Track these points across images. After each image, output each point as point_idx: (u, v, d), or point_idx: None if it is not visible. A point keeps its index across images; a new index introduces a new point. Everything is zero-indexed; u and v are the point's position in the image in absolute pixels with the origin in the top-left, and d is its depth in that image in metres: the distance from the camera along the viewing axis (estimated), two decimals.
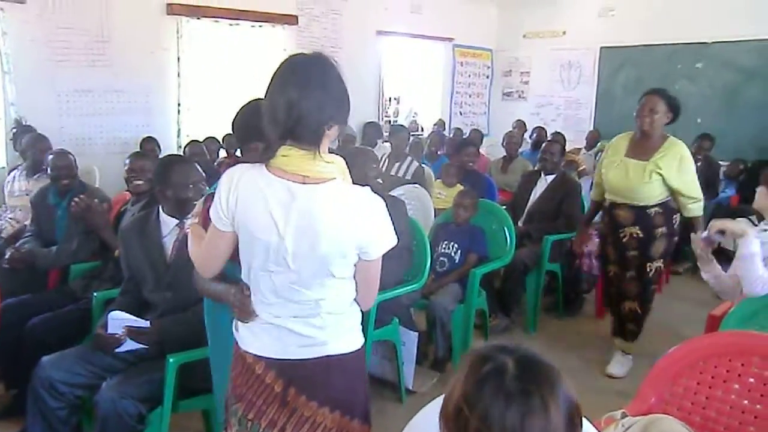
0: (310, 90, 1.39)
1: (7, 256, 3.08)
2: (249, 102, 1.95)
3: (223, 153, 5.45)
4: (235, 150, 5.16)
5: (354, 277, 1.55)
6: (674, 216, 3.24)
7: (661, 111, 3.20)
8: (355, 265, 1.52)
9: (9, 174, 4.11)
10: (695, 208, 3.20)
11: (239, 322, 1.61)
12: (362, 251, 1.48)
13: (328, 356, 1.53)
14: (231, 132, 2.02)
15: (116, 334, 2.29)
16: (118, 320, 2.31)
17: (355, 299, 1.58)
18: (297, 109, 1.38)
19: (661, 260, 3.28)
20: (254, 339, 1.57)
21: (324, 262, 1.45)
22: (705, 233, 2.44)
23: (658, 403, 1.78)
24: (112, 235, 2.91)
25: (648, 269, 3.26)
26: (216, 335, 2.01)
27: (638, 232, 3.21)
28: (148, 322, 2.32)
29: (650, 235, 3.20)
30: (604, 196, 3.40)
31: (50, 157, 3.43)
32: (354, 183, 1.51)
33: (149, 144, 5.03)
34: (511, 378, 0.93)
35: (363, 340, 1.63)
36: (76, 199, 2.96)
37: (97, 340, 2.34)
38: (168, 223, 2.43)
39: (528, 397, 0.91)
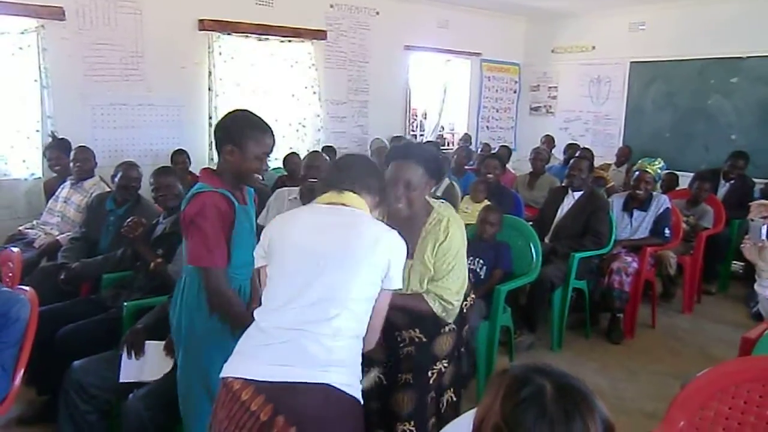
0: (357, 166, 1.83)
1: (62, 277, 3.24)
2: (231, 111, 2.10)
3: None
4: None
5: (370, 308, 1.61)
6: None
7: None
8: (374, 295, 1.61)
9: (60, 183, 4.24)
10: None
11: (237, 349, 1.60)
12: (386, 276, 1.59)
13: (327, 385, 1.50)
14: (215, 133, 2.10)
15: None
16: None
17: (359, 341, 1.60)
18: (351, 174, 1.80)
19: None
20: (247, 359, 1.55)
21: (352, 271, 1.55)
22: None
23: (687, 428, 1.74)
24: (148, 250, 2.97)
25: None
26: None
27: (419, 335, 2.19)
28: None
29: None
30: None
31: (121, 168, 3.61)
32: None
33: (180, 156, 5.14)
34: (552, 401, 0.94)
35: (358, 392, 1.59)
36: (130, 222, 3.03)
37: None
38: None
39: (570, 421, 0.92)
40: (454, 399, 2.23)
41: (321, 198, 1.71)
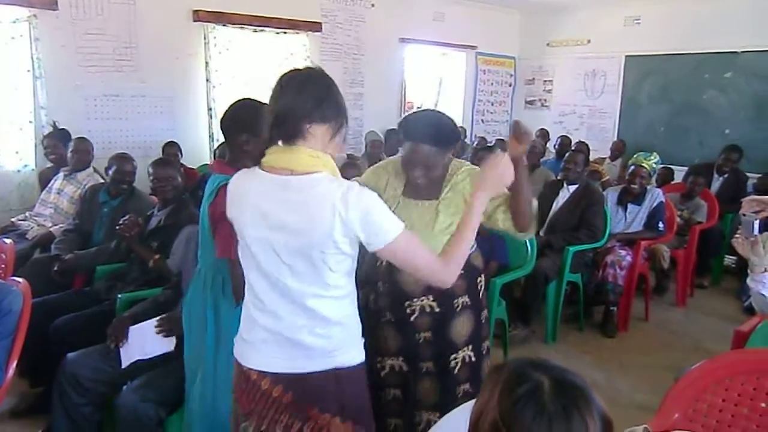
0: (286, 93, 1.46)
1: (55, 268, 3.22)
2: (236, 101, 2.06)
3: None
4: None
5: (349, 277, 1.52)
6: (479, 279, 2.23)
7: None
8: (358, 258, 1.51)
9: (54, 174, 4.22)
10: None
11: (241, 335, 1.59)
12: (362, 240, 1.43)
13: (336, 369, 1.50)
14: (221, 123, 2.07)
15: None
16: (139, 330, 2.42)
17: (352, 310, 1.56)
18: (275, 110, 1.46)
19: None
20: (255, 353, 1.55)
21: (315, 250, 1.42)
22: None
23: (681, 420, 1.75)
24: (145, 249, 2.96)
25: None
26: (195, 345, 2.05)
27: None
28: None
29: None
30: None
31: (115, 161, 3.57)
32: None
33: (171, 148, 5.10)
34: (550, 398, 0.93)
35: (362, 357, 1.59)
36: (126, 221, 3.00)
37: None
38: None
39: (569, 418, 0.92)
40: None
41: (268, 160, 1.48)
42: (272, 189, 1.45)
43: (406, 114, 2.26)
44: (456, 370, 2.13)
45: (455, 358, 2.13)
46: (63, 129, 4.53)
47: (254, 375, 1.54)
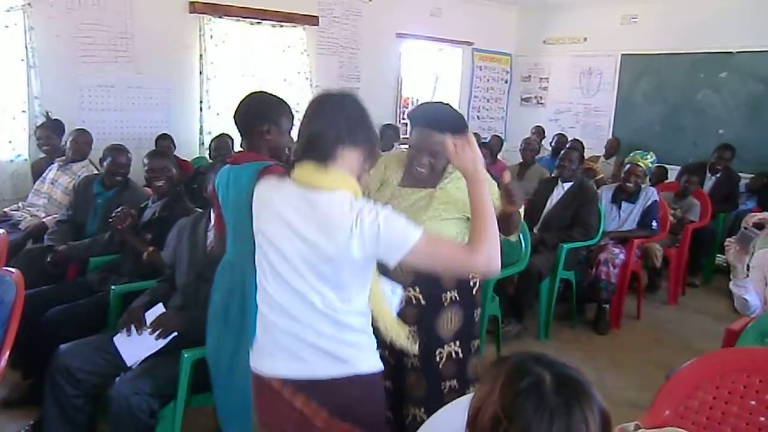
0: (320, 115, 1.51)
1: (48, 259, 3.20)
2: (249, 94, 2.08)
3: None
4: None
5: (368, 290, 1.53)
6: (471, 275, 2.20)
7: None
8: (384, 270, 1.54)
9: (48, 165, 4.20)
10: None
11: (258, 341, 1.59)
12: (382, 257, 1.44)
13: (355, 375, 1.51)
14: (235, 119, 2.08)
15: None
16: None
17: (368, 318, 1.56)
18: (309, 130, 1.50)
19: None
20: (273, 359, 1.55)
21: (331, 264, 1.44)
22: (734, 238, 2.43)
23: (672, 417, 1.76)
24: (139, 240, 2.95)
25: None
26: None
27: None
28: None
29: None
30: None
31: (110, 153, 3.55)
32: None
33: (165, 141, 5.07)
34: (551, 392, 0.94)
35: (381, 365, 1.59)
36: (119, 213, 2.99)
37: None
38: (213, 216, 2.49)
39: (570, 412, 0.93)
40: None
41: (297, 175, 1.50)
42: (297, 201, 1.48)
43: (418, 104, 2.27)
44: (440, 365, 2.12)
45: (440, 353, 2.12)
46: (56, 119, 4.51)
47: (275, 383, 1.53)
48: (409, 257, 1.41)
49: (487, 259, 1.44)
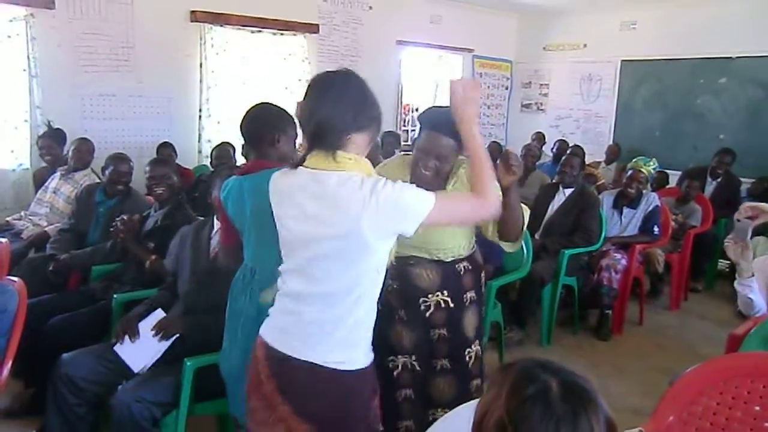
0: (325, 101, 1.49)
1: (50, 268, 3.21)
2: (256, 105, 2.11)
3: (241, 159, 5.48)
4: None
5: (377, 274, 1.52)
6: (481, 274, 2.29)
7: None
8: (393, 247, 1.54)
9: (50, 174, 4.21)
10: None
11: (269, 318, 1.62)
12: (400, 230, 1.46)
13: (314, 364, 1.48)
14: (241, 130, 2.11)
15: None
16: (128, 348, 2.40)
17: (366, 313, 1.54)
18: (315, 117, 1.48)
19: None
20: (269, 320, 1.60)
21: (342, 241, 1.44)
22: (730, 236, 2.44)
23: (676, 423, 1.76)
24: (141, 249, 2.95)
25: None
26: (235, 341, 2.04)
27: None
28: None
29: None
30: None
31: (112, 162, 3.56)
32: None
33: (166, 149, 5.06)
34: (558, 400, 0.94)
35: (368, 361, 1.56)
36: (120, 222, 2.99)
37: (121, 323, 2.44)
38: (217, 223, 2.49)
39: (576, 420, 0.93)
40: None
41: (310, 162, 1.50)
42: (308, 182, 1.49)
43: (429, 107, 2.28)
44: (470, 365, 2.18)
45: (469, 353, 2.18)
46: (58, 129, 4.52)
47: (260, 342, 1.58)
48: (428, 219, 1.45)
49: (495, 201, 1.55)
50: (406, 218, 1.44)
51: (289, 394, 1.51)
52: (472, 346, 2.19)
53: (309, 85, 1.55)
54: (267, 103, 2.14)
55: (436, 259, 2.15)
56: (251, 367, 1.63)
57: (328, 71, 1.57)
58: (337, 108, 1.47)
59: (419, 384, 2.18)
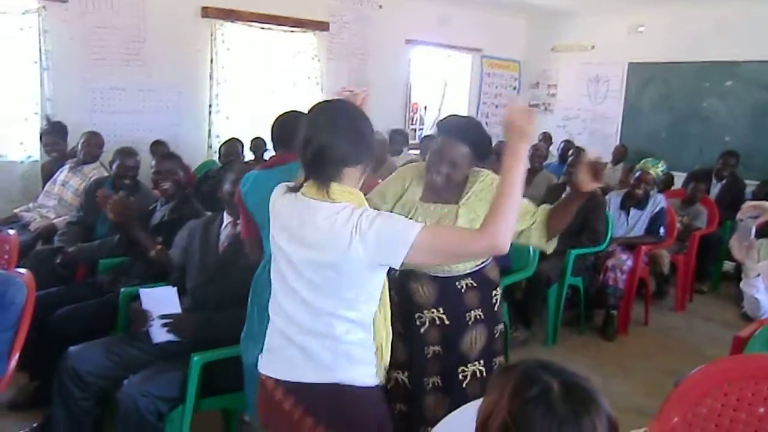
0: (322, 131, 1.48)
1: (58, 260, 3.21)
2: (285, 112, 2.17)
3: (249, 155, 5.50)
4: (262, 153, 5.20)
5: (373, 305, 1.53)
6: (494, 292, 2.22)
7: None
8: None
9: (58, 166, 4.23)
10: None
11: (266, 343, 1.61)
12: (386, 262, 1.45)
13: (343, 385, 1.50)
14: (271, 135, 2.19)
15: (149, 312, 2.35)
16: (150, 293, 2.38)
17: (368, 333, 1.55)
18: (311, 146, 1.47)
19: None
20: (273, 361, 1.58)
21: (332, 270, 1.45)
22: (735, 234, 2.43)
23: (680, 424, 1.76)
24: (141, 234, 2.92)
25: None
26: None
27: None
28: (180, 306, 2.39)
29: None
30: None
31: (118, 156, 3.56)
32: None
33: (158, 147, 5.01)
34: (559, 400, 0.94)
35: (377, 381, 1.58)
36: (116, 199, 2.94)
37: (131, 315, 2.44)
38: (227, 217, 2.52)
39: (578, 420, 0.93)
40: None
41: (305, 191, 1.52)
42: (301, 209, 1.50)
43: (448, 114, 2.27)
44: (464, 384, 2.10)
45: (464, 371, 2.11)
46: (58, 122, 4.53)
47: (270, 384, 1.56)
48: (412, 253, 1.40)
49: (501, 237, 1.39)
50: (390, 249, 1.41)
51: (329, 422, 1.51)
52: (469, 365, 2.11)
53: (308, 113, 1.55)
54: (297, 111, 2.15)
55: (433, 274, 2.10)
56: (262, 408, 1.62)
57: (327, 100, 1.59)
58: (333, 139, 1.47)
59: (411, 400, 2.15)
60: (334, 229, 1.42)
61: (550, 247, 2.11)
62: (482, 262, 2.17)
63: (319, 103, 1.58)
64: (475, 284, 2.14)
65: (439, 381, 2.12)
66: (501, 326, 2.23)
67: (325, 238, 1.44)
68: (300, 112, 2.11)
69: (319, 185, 1.48)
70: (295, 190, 1.55)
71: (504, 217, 1.40)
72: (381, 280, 1.53)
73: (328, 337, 1.50)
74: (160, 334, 2.37)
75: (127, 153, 3.59)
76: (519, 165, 1.47)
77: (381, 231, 1.40)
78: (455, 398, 2.08)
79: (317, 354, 1.50)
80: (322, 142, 1.46)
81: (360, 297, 1.50)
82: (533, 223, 2.05)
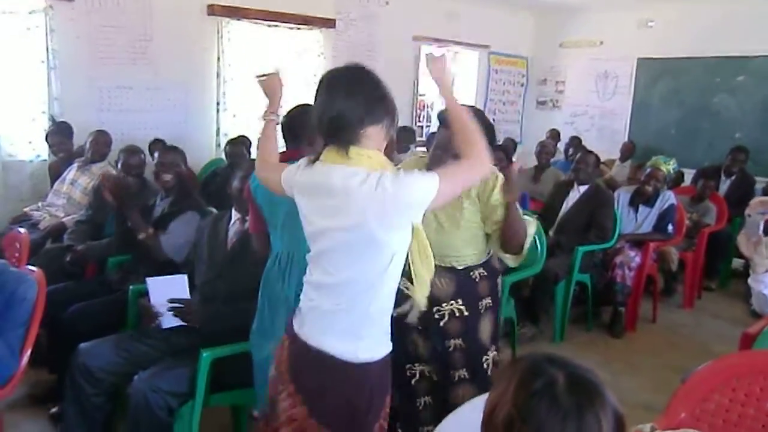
0: (336, 96, 1.49)
1: (67, 259, 3.24)
2: (295, 106, 2.20)
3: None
4: None
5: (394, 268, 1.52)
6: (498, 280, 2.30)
7: None
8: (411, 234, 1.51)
9: (66, 165, 4.25)
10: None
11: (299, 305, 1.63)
12: (404, 218, 1.46)
13: (320, 351, 1.51)
14: (281, 130, 2.18)
15: (156, 307, 2.36)
16: (157, 282, 2.38)
17: (388, 305, 1.55)
18: (327, 114, 1.48)
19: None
20: (302, 321, 1.60)
21: (352, 234, 1.46)
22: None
23: (688, 419, 1.76)
24: (134, 215, 2.90)
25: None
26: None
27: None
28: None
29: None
30: None
31: (122, 154, 3.58)
32: None
33: (157, 146, 5.01)
34: (564, 393, 0.95)
35: (385, 351, 1.56)
36: (110, 179, 2.99)
37: (141, 311, 2.46)
38: (235, 214, 2.53)
39: (583, 413, 0.93)
40: None
41: (326, 158, 1.52)
42: (321, 177, 1.51)
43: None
44: (488, 372, 2.16)
45: (486, 360, 2.17)
46: (63, 122, 4.55)
47: (300, 341, 1.57)
48: (435, 202, 1.45)
49: (484, 158, 1.53)
50: (412, 207, 1.44)
51: (304, 392, 1.54)
52: (488, 353, 2.18)
53: (320, 82, 1.54)
54: (307, 104, 2.13)
55: (449, 266, 2.14)
56: (276, 356, 1.65)
57: (338, 67, 1.58)
58: (348, 103, 1.47)
59: (438, 392, 2.19)
60: (350, 191, 1.43)
61: (514, 261, 2.19)
62: (488, 253, 2.23)
63: (331, 70, 1.58)
64: (486, 273, 2.21)
65: (465, 373, 2.15)
66: (500, 310, 2.32)
67: (342, 201, 1.45)
68: (310, 105, 2.13)
69: (337, 149, 1.48)
70: (313, 161, 1.55)
71: (477, 142, 1.53)
72: (402, 246, 1.50)
73: (342, 303, 1.51)
74: (168, 320, 2.38)
75: (131, 151, 3.61)
76: (456, 107, 1.64)
77: (402, 190, 1.42)
78: (483, 387, 2.12)
79: (327, 320, 1.52)
80: (338, 106, 1.47)
81: (378, 262, 1.49)
82: (494, 231, 2.14)
